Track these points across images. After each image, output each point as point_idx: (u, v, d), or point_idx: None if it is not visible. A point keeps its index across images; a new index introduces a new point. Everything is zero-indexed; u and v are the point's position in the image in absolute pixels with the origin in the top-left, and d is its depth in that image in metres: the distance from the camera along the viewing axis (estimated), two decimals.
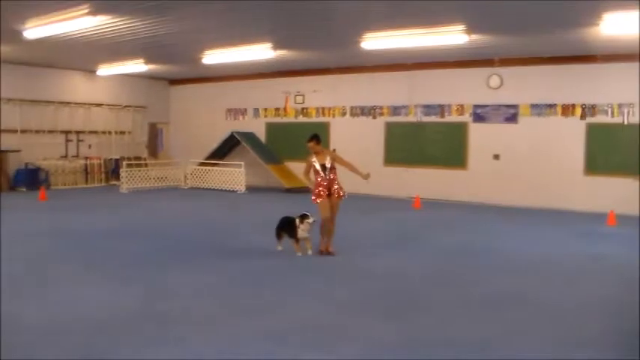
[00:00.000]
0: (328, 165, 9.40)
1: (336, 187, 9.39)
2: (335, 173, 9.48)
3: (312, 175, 9.57)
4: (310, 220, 9.18)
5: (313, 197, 9.41)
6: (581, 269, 8.89)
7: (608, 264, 9.23)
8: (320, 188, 9.36)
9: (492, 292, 7.47)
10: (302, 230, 9.25)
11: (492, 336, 5.71)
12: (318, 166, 9.43)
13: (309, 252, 9.42)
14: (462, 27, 12.62)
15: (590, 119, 15.67)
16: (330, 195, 9.37)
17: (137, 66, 18.81)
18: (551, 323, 6.14)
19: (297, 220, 9.28)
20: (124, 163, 19.67)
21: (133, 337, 5.43)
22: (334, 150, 9.86)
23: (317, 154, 9.54)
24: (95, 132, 21.35)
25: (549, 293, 7.45)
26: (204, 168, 20.54)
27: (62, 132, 20.32)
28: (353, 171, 9.57)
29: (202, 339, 5.40)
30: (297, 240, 9.38)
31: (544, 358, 5.17)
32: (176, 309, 6.35)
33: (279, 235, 9.68)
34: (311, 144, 9.51)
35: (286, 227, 9.51)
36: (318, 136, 9.67)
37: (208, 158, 20.79)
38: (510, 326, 6.05)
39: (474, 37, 13.32)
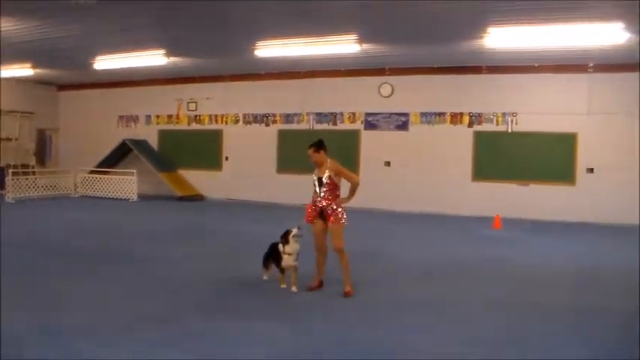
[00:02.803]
0: (325, 180, 7.50)
1: (331, 208, 7.48)
2: (333, 191, 7.54)
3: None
4: (295, 232, 7.51)
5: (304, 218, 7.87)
6: (468, 271, 9.20)
7: (493, 265, 9.63)
8: (310, 208, 7.73)
9: (387, 294, 7.67)
10: (287, 256, 7.52)
11: (397, 337, 5.85)
12: (315, 180, 7.64)
13: (294, 288, 7.56)
14: (353, 36, 12.90)
15: (477, 127, 16.37)
16: (323, 217, 7.60)
17: (23, 70, 18.09)
18: (447, 323, 6.37)
19: (280, 244, 7.63)
20: (10, 171, 18.81)
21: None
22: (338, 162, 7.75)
23: (319, 165, 7.64)
24: None
25: (442, 294, 7.70)
26: (95, 176, 19.99)
27: None
28: (352, 189, 7.49)
29: (97, 350, 5.27)
30: (281, 270, 7.66)
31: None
32: (67, 321, 6.12)
33: (266, 265, 8.06)
34: (309, 151, 7.62)
35: (274, 255, 7.79)
36: (320, 142, 7.66)
37: (99, 166, 20.26)
38: (408, 327, 6.21)
39: (366, 46, 13.63)
